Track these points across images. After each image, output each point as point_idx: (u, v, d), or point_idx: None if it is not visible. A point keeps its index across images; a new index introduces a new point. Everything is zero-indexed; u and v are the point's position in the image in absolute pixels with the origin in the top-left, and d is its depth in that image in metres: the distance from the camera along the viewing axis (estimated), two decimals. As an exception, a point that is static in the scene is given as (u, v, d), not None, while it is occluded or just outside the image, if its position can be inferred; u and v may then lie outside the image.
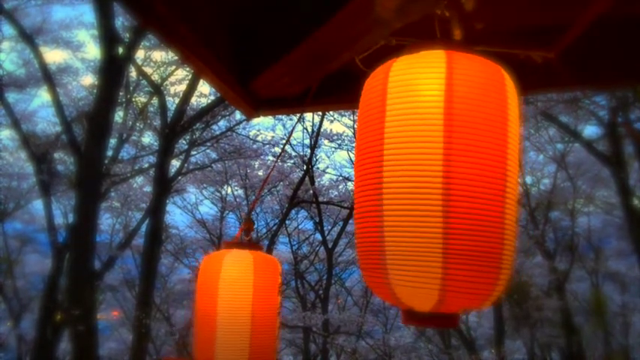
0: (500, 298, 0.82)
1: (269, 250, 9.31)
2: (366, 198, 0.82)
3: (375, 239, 0.80)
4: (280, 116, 10.15)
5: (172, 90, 10.48)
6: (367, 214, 0.82)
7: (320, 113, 9.66)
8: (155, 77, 10.26)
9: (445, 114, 0.76)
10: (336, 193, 11.44)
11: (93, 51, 10.85)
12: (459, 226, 0.75)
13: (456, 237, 0.75)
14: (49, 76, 8.40)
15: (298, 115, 8.08)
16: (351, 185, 11.39)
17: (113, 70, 7.47)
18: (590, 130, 10.33)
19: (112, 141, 9.49)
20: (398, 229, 0.77)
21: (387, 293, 0.81)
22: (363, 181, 0.83)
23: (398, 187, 0.77)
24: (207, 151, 11.04)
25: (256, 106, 1.51)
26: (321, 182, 11.43)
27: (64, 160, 10.60)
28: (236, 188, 12.10)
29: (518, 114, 0.83)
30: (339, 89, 1.52)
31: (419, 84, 0.79)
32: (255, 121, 10.40)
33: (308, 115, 9.96)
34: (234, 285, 1.40)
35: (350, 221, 11.30)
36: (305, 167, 10.37)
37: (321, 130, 10.34)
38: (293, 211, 11.37)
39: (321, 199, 10.94)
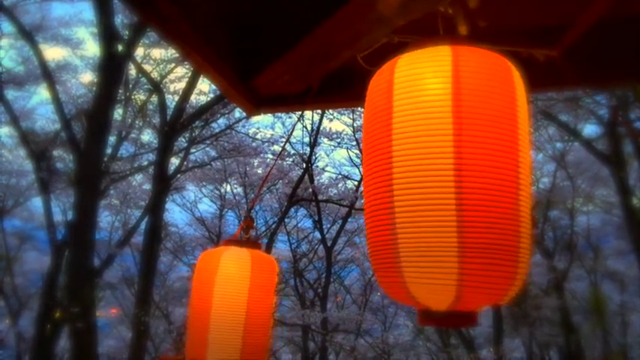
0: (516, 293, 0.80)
1: (268, 249, 9.31)
2: (377, 196, 0.80)
3: (388, 237, 0.78)
4: (280, 114, 10.15)
5: (172, 88, 10.50)
6: (378, 213, 0.80)
7: (319, 111, 9.65)
8: (154, 75, 10.25)
9: (453, 106, 0.75)
10: (336, 191, 11.44)
11: (92, 48, 10.85)
12: (473, 219, 0.73)
13: (471, 230, 0.73)
14: (48, 74, 8.39)
15: (298, 113, 8.09)
16: (350, 183, 11.40)
17: (112, 67, 7.45)
18: (590, 129, 10.35)
19: (112, 138, 9.48)
20: (411, 225, 0.76)
21: (402, 293, 0.79)
22: (372, 179, 0.82)
23: (409, 182, 0.76)
24: (207, 148, 11.05)
25: (257, 104, 1.51)
26: (321, 180, 11.43)
27: (63, 158, 10.59)
28: (235, 186, 12.11)
29: (527, 104, 0.82)
30: (341, 87, 1.51)
31: (425, 78, 0.78)
32: (255, 119, 10.39)
33: (307, 114, 9.95)
34: (231, 282, 1.40)
35: (349, 219, 11.31)
36: (304, 165, 10.37)
37: (321, 128, 10.35)
38: (292, 210, 11.37)
39: (320, 197, 10.93)
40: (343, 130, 10.72)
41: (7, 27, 9.32)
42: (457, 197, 0.73)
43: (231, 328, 1.38)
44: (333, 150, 11.48)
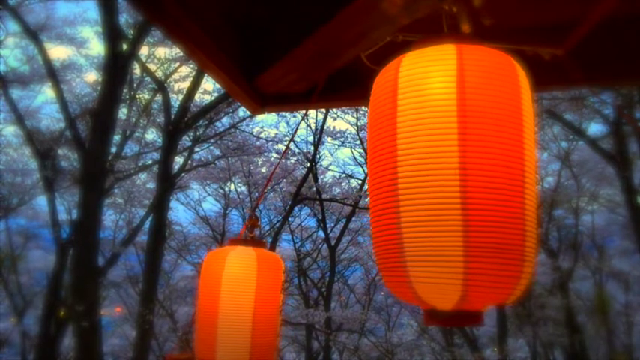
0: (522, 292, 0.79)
1: (272, 247, 9.32)
2: (382, 195, 0.80)
3: (393, 237, 0.78)
4: (284, 113, 10.15)
5: (176, 87, 10.53)
6: (383, 212, 0.80)
7: (323, 110, 9.65)
8: (159, 74, 10.28)
9: (458, 105, 0.75)
10: (339, 190, 11.45)
11: (97, 47, 10.90)
12: (478, 218, 0.73)
13: (476, 230, 0.73)
14: (53, 73, 8.41)
15: (302, 112, 8.09)
16: (354, 182, 11.41)
17: (117, 66, 7.48)
18: (595, 128, 10.32)
19: (116, 137, 9.52)
20: (416, 224, 0.75)
21: (408, 292, 0.79)
22: (377, 179, 0.81)
23: (414, 181, 0.76)
24: (211, 147, 11.07)
25: (261, 103, 1.51)
26: (325, 179, 11.44)
27: (68, 157, 10.63)
28: (239, 185, 12.13)
29: (532, 103, 0.82)
30: (345, 86, 1.51)
31: (430, 77, 0.78)
32: (259, 118, 10.41)
33: (311, 113, 9.96)
34: (237, 282, 1.40)
35: (353, 218, 11.31)
36: (308, 164, 10.38)
37: (325, 127, 10.36)
38: (296, 208, 11.37)
39: (324, 196, 10.94)
40: (347, 129, 10.75)
41: (12, 26, 9.35)
42: (462, 196, 0.73)
43: (240, 328, 1.38)
44: (337, 149, 11.49)
